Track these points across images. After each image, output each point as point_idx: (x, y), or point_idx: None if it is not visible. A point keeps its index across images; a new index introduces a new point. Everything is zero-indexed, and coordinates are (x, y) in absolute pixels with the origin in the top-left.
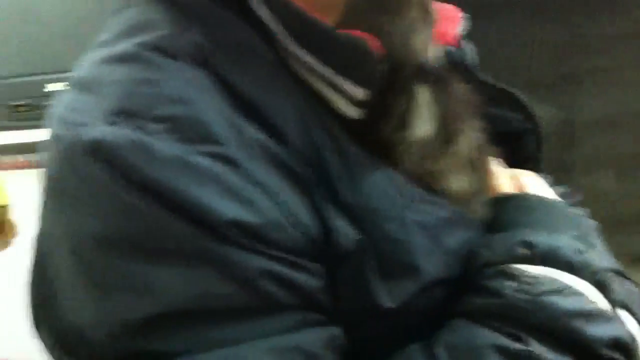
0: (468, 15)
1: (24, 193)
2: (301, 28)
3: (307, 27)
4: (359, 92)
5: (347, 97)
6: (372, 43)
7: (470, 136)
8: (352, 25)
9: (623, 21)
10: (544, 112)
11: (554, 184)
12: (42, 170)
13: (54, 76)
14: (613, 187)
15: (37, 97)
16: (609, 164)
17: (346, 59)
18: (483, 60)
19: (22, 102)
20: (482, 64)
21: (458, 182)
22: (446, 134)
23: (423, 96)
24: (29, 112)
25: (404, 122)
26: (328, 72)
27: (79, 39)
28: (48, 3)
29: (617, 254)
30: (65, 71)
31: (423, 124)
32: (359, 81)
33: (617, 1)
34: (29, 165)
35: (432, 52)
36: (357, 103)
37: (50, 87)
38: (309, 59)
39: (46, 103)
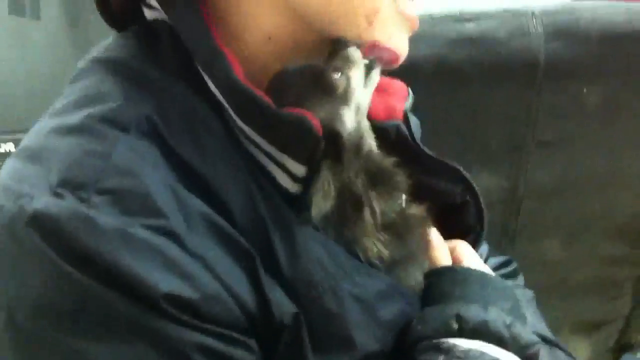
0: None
1: None
2: (245, 105)
3: (251, 104)
4: (300, 169)
5: (289, 174)
6: (314, 121)
7: (381, 204)
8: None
9: (568, 96)
10: (489, 181)
11: (496, 252)
12: None
13: (8, 137)
14: (559, 255)
15: None
16: (555, 231)
17: (289, 137)
18: (434, 129)
19: None
20: (433, 132)
21: (374, 248)
22: (352, 203)
23: (324, 171)
24: None
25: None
26: (270, 148)
27: (34, 100)
28: (5, 62)
29: (564, 320)
30: (20, 132)
31: (322, 200)
32: (300, 159)
33: (561, 78)
34: None
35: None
36: (297, 179)
37: (3, 147)
38: (251, 133)
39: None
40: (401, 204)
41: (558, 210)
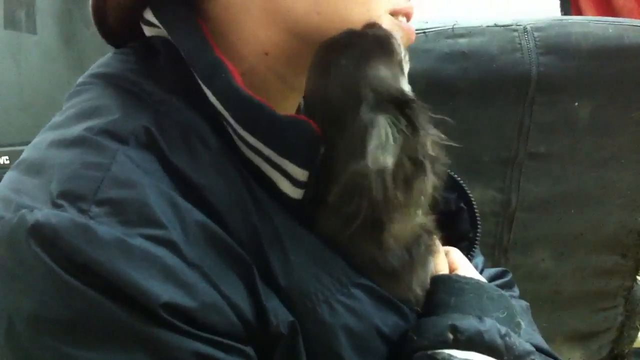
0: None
1: None
2: (245, 112)
3: (252, 110)
4: (301, 174)
5: (290, 178)
6: (314, 124)
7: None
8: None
9: (559, 111)
10: (482, 194)
11: (490, 263)
12: None
13: (3, 149)
14: (551, 266)
15: None
16: (547, 243)
17: (289, 141)
18: None
19: None
20: None
21: (416, 219)
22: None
23: (383, 123)
24: None
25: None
26: (271, 153)
27: (30, 113)
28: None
29: (557, 331)
30: (14, 145)
31: (380, 153)
32: (300, 162)
33: (553, 92)
34: None
35: None
36: (299, 184)
37: None
38: (252, 140)
39: None
40: (419, 212)
41: (550, 222)
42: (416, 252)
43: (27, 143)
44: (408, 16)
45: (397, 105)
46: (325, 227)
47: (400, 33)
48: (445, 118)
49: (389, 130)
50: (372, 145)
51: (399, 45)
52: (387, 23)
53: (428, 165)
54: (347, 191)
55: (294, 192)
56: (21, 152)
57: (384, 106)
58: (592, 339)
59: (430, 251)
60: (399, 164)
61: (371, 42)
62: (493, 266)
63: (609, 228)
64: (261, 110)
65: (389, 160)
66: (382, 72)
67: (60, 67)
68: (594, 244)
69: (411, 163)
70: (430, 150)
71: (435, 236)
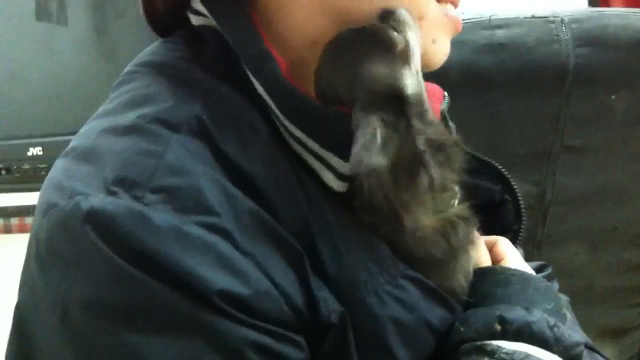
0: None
1: (1, 258)
2: (291, 104)
3: (297, 103)
4: (345, 167)
5: (334, 171)
6: None
7: (440, 175)
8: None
9: (596, 104)
10: (518, 187)
11: (527, 258)
12: (31, 236)
13: (36, 140)
14: (584, 261)
15: (18, 160)
16: (581, 238)
17: (334, 134)
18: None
19: (2, 166)
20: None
21: (423, 218)
22: (410, 164)
23: (374, 122)
24: (8, 176)
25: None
26: (316, 146)
27: (62, 105)
28: (33, 68)
29: (591, 327)
30: (47, 136)
31: (368, 153)
32: (345, 156)
33: (590, 85)
34: (7, 230)
35: None
36: (343, 177)
37: (32, 151)
38: (298, 132)
39: (27, 167)
40: (454, 202)
41: (584, 216)
42: (455, 240)
43: (60, 134)
44: (455, 4)
45: (393, 103)
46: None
47: (446, 20)
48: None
49: (378, 130)
50: (355, 148)
51: (402, 36)
52: (433, 10)
53: (427, 159)
54: (357, 194)
55: (339, 185)
56: (54, 143)
57: (377, 105)
58: (625, 334)
59: (470, 240)
60: (396, 161)
61: (368, 38)
62: (528, 259)
63: None
64: (306, 103)
65: (376, 161)
66: (378, 70)
67: (92, 58)
68: (628, 238)
69: (409, 159)
70: (426, 144)
71: (473, 225)
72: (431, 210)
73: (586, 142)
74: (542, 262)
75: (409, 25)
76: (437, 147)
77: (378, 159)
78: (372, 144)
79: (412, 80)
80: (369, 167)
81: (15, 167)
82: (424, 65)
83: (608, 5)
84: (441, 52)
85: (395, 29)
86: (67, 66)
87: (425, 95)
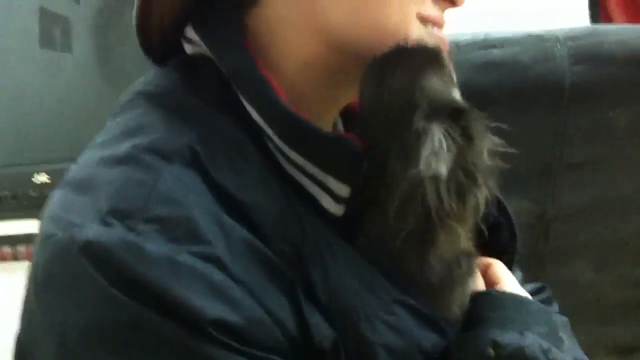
0: None
1: (7, 285)
2: (290, 129)
3: (295, 127)
4: (344, 190)
5: (332, 195)
6: (356, 141)
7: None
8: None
9: (595, 120)
10: (518, 204)
11: (528, 278)
12: (30, 267)
13: (41, 167)
14: (590, 278)
15: (24, 187)
16: (585, 254)
17: (333, 157)
18: None
19: (8, 193)
20: None
21: (461, 239)
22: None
23: (437, 131)
24: (14, 203)
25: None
26: (314, 170)
27: (66, 131)
28: (37, 94)
29: (598, 344)
30: (53, 162)
31: (434, 160)
32: (343, 178)
33: (587, 101)
34: (15, 257)
35: None
36: (340, 200)
37: (37, 178)
38: (295, 157)
39: (33, 194)
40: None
41: (588, 232)
42: (456, 271)
43: (65, 160)
44: (440, 25)
45: (451, 114)
46: (368, 241)
47: (433, 41)
48: (501, 125)
49: (442, 139)
50: (426, 152)
51: (447, 57)
52: (416, 30)
53: (481, 178)
54: (402, 200)
55: (335, 208)
56: (60, 169)
57: (438, 115)
58: (635, 352)
59: (469, 273)
60: (452, 174)
61: (422, 55)
62: (530, 279)
63: None
64: (305, 127)
65: (442, 168)
66: (436, 82)
67: (96, 85)
68: (635, 253)
69: (464, 175)
70: (486, 160)
71: (474, 259)
72: (460, 237)
73: (587, 159)
74: (540, 284)
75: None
76: (491, 164)
77: (442, 167)
78: (440, 151)
79: (460, 99)
80: (435, 173)
81: (21, 194)
82: None
83: (610, 21)
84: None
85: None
86: (71, 92)
87: None
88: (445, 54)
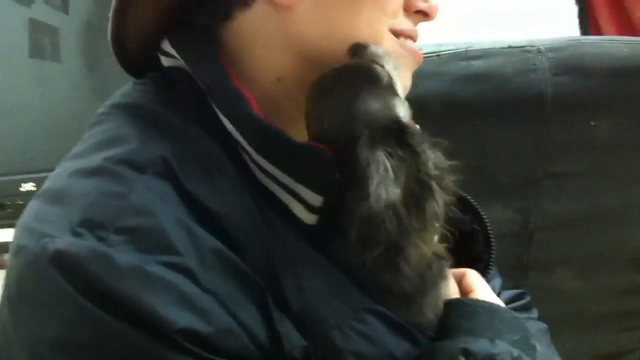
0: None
1: None
2: (263, 139)
3: (267, 136)
4: (316, 200)
5: (304, 204)
6: (329, 152)
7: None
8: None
9: (576, 131)
10: (501, 214)
11: (509, 284)
12: (5, 277)
13: (28, 176)
14: (573, 286)
15: (11, 196)
16: (568, 263)
17: (305, 168)
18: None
19: None
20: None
21: (428, 246)
22: (419, 192)
23: (381, 158)
24: (2, 212)
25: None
26: (287, 179)
27: (54, 141)
28: (26, 104)
29: (581, 352)
30: (40, 171)
31: (382, 188)
32: (316, 189)
33: (569, 112)
34: (1, 265)
35: None
36: (314, 210)
37: (24, 187)
38: (268, 166)
39: (21, 202)
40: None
41: (570, 242)
42: (427, 276)
43: (52, 170)
44: (413, 38)
45: (394, 134)
46: (340, 254)
47: (404, 53)
48: (443, 141)
49: (387, 164)
50: (373, 185)
51: (383, 68)
52: (388, 43)
53: (435, 185)
54: (363, 230)
55: (309, 218)
56: (47, 178)
57: (380, 139)
58: (617, 359)
59: (441, 276)
60: (406, 190)
61: (354, 75)
62: (514, 287)
63: (631, 247)
64: (279, 138)
65: (392, 194)
66: (372, 105)
67: (84, 95)
68: (616, 263)
69: (418, 186)
70: (433, 170)
71: (445, 261)
72: (430, 244)
73: (569, 169)
74: (520, 291)
75: (385, 58)
76: (440, 173)
77: (394, 192)
78: (386, 179)
79: (404, 110)
80: (388, 201)
81: (8, 203)
82: None
83: (599, 32)
84: (401, 84)
85: (375, 63)
86: (60, 102)
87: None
88: (377, 68)
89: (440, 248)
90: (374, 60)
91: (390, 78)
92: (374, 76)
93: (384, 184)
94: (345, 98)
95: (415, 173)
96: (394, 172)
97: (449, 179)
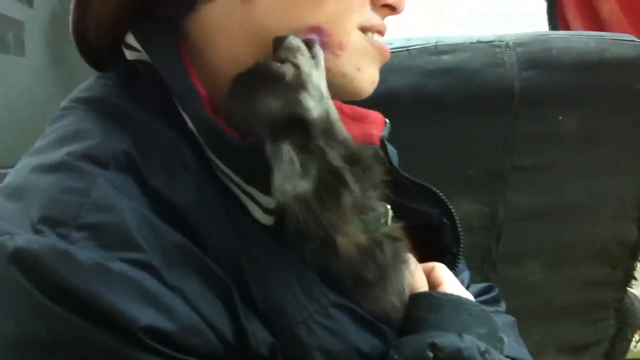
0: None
1: None
2: (213, 138)
3: (219, 138)
4: (269, 202)
5: (260, 206)
6: None
7: (359, 189)
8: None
9: (544, 124)
10: (470, 207)
11: (478, 277)
12: None
13: None
14: (541, 278)
15: None
16: (536, 255)
17: (253, 169)
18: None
19: None
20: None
21: (355, 236)
22: (330, 185)
23: (287, 150)
24: None
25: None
26: (240, 181)
27: (18, 136)
28: None
29: (548, 343)
30: (3, 167)
31: (289, 181)
32: (265, 190)
33: (536, 106)
34: None
35: None
36: (269, 211)
37: None
38: (225, 168)
39: None
40: (386, 220)
41: (538, 234)
42: (382, 258)
43: (15, 165)
44: (381, 33)
45: (298, 129)
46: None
47: (371, 49)
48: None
49: (294, 158)
50: (277, 180)
51: (289, 64)
52: (355, 39)
53: (348, 175)
54: (290, 224)
55: (266, 219)
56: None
57: (283, 135)
58: (584, 351)
59: (400, 259)
60: (318, 183)
61: (252, 77)
62: (483, 280)
63: (598, 239)
64: (225, 138)
65: (301, 187)
66: (271, 103)
67: (49, 88)
68: (583, 255)
69: (332, 178)
70: (339, 161)
71: (403, 244)
72: (361, 230)
73: (536, 162)
74: (488, 284)
75: (300, 51)
76: (353, 162)
77: (302, 185)
78: (292, 172)
79: (314, 104)
80: (295, 195)
81: None
82: (352, 92)
83: (568, 27)
84: (367, 80)
85: (279, 60)
86: (23, 96)
87: (335, 115)
88: (277, 66)
89: (394, 230)
90: (287, 54)
91: (298, 73)
92: (274, 75)
93: (290, 178)
94: (244, 102)
95: (326, 165)
96: (302, 165)
97: (374, 164)
